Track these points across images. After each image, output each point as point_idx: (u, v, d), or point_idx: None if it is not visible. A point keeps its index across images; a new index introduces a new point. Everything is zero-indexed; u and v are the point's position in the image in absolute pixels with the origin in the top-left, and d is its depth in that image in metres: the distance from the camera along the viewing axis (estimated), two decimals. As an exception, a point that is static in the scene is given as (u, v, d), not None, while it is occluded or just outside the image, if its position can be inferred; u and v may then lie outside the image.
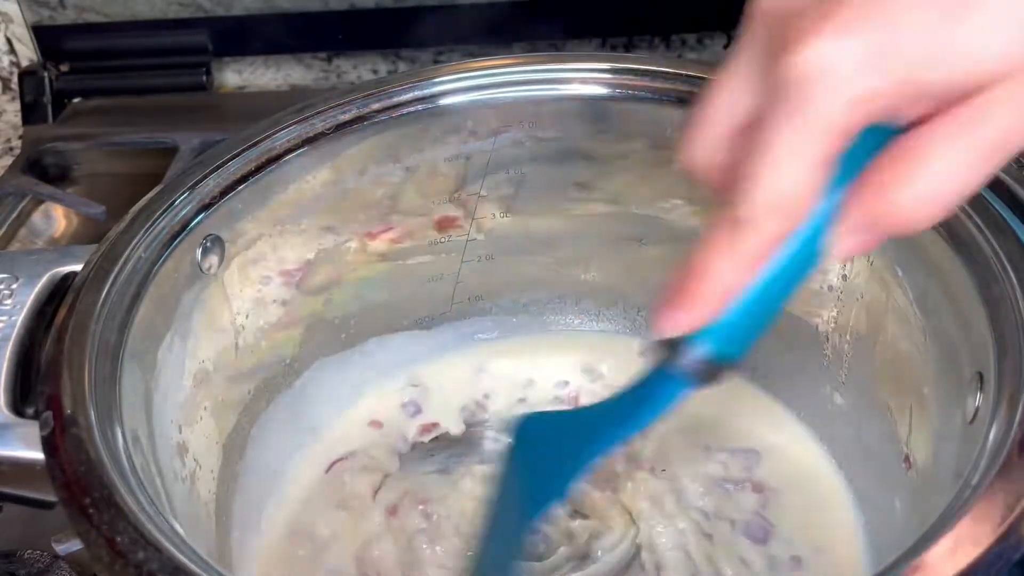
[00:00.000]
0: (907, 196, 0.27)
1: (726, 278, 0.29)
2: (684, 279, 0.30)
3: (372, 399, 0.59)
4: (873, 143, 0.27)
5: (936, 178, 0.27)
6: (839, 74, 0.26)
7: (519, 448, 0.38)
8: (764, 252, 0.28)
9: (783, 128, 0.27)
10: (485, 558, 0.37)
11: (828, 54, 0.26)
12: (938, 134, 0.27)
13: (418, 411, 0.59)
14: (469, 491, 0.52)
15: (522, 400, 0.59)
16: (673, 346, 0.31)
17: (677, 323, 0.30)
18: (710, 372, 0.31)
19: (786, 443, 0.55)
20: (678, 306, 0.30)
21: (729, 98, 0.29)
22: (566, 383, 0.60)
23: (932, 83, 0.26)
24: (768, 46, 0.28)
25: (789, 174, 0.27)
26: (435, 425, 0.58)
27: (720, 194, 0.30)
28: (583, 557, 0.50)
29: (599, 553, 0.49)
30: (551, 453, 0.36)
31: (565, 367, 0.61)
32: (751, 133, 0.28)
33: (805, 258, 0.29)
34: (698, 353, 0.30)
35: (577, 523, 0.51)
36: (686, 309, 0.30)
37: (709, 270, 0.29)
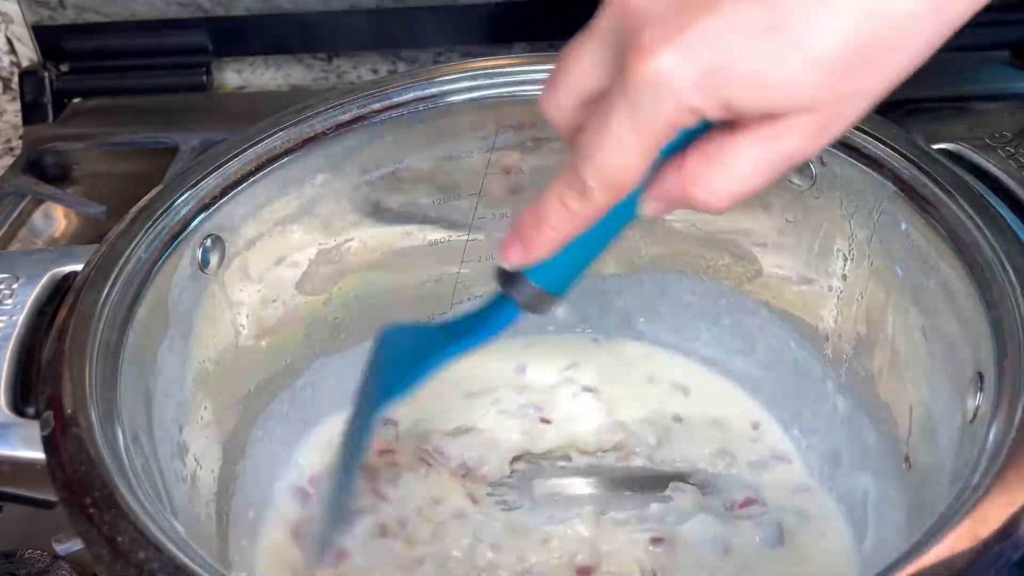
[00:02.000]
0: (706, 187, 0.32)
1: (558, 231, 0.35)
2: (524, 223, 0.35)
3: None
4: (685, 132, 0.32)
5: (731, 178, 0.32)
6: (675, 89, 0.30)
7: (380, 351, 0.43)
8: (593, 216, 0.34)
9: (622, 120, 0.31)
10: (346, 439, 0.42)
11: (669, 70, 0.30)
12: (741, 144, 0.32)
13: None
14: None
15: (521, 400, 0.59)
16: (510, 277, 0.37)
17: (514, 259, 0.36)
18: (538, 302, 0.37)
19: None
20: (517, 245, 0.36)
21: (580, 70, 0.34)
22: (557, 385, 0.60)
23: (748, 107, 0.31)
24: (621, 38, 0.32)
25: (622, 158, 0.32)
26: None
27: (567, 143, 0.35)
28: None
29: None
30: (404, 358, 0.41)
31: (560, 367, 0.61)
32: (595, 107, 0.33)
33: (622, 216, 0.35)
34: (529, 285, 0.37)
35: None
36: (522, 249, 0.36)
37: (546, 222, 0.35)
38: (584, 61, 0.34)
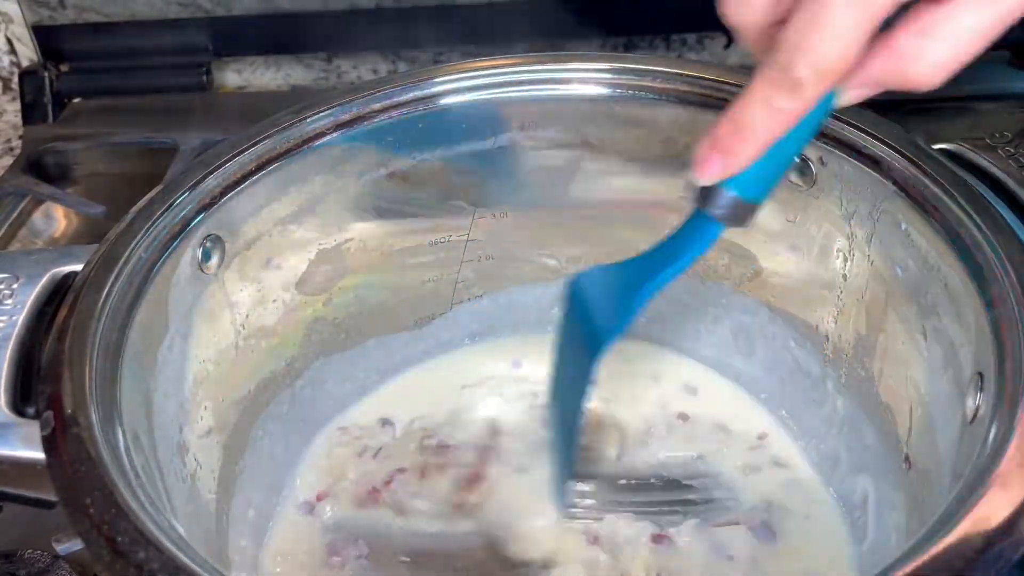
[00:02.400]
0: (926, 63, 0.31)
1: (764, 132, 0.32)
2: (724, 131, 0.33)
3: (372, 399, 0.59)
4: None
5: (951, 49, 0.30)
6: None
7: (574, 303, 0.43)
8: (803, 113, 0.32)
9: (838, 2, 0.29)
10: (558, 401, 0.43)
11: None
12: (958, 13, 0.30)
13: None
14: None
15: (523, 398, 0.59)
16: (708, 192, 0.35)
17: (713, 171, 0.34)
18: (739, 214, 0.36)
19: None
20: (715, 157, 0.34)
21: None
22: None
23: None
24: None
25: (841, 42, 0.30)
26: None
27: (758, 51, 0.33)
28: None
29: None
30: (604, 302, 0.41)
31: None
32: (782, 6, 0.31)
33: (820, 111, 0.33)
34: (729, 198, 0.35)
35: None
36: (722, 160, 0.34)
37: (749, 124, 0.32)
38: None
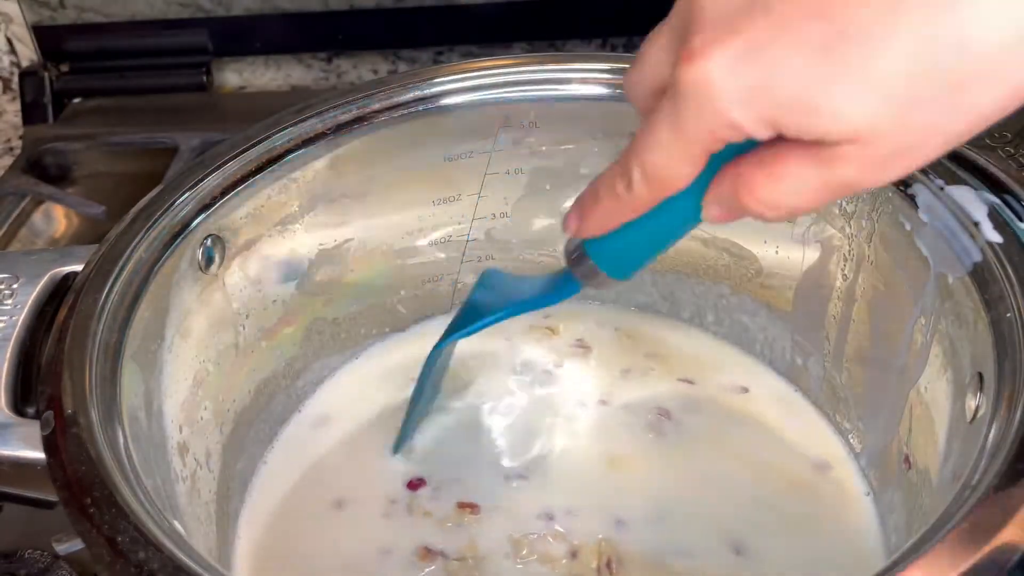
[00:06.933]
0: (759, 197, 0.31)
1: (609, 211, 0.35)
2: (586, 195, 0.36)
3: (372, 398, 0.58)
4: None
5: (784, 193, 0.31)
6: (715, 100, 0.29)
7: (476, 288, 0.49)
8: (640, 207, 0.34)
9: (666, 122, 0.31)
10: (431, 359, 0.50)
11: (712, 79, 0.28)
12: (793, 161, 0.30)
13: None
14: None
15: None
16: (576, 253, 0.39)
17: (570, 226, 0.37)
18: (595, 281, 0.39)
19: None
20: (575, 214, 0.37)
21: (651, 60, 0.33)
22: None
23: (794, 131, 0.29)
24: (682, 35, 0.30)
25: (663, 158, 0.32)
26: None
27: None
28: None
29: None
30: (488, 300, 0.48)
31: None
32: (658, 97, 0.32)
33: (685, 216, 0.35)
34: (589, 265, 0.39)
35: None
36: (577, 219, 0.37)
37: (599, 199, 0.35)
38: (653, 52, 0.32)
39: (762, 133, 0.29)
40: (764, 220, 0.32)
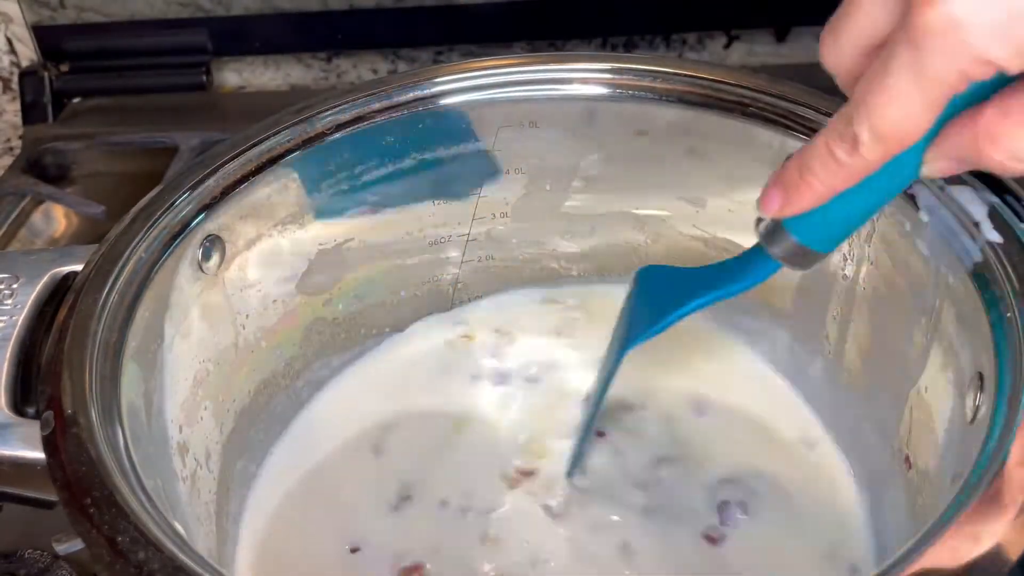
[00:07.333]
0: (1006, 147, 0.29)
1: (824, 181, 0.32)
2: (790, 169, 0.33)
3: (372, 399, 0.58)
4: (980, 86, 0.29)
5: None
6: (966, 37, 0.27)
7: (637, 289, 0.45)
8: (863, 171, 0.31)
9: (904, 70, 0.28)
10: (602, 375, 0.46)
11: (962, 16, 0.27)
12: None
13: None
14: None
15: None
16: (771, 230, 0.36)
17: (773, 207, 0.34)
18: (798, 258, 0.36)
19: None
20: (778, 193, 0.34)
21: (862, 14, 0.31)
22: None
23: None
24: None
25: (901, 111, 0.29)
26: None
27: (847, 92, 0.32)
28: None
29: None
30: (659, 299, 0.43)
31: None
32: (878, 53, 0.30)
33: (902, 174, 0.32)
34: (791, 241, 0.35)
35: None
36: (783, 198, 0.34)
37: (810, 171, 0.32)
38: (866, 8, 0.31)
39: (1021, 66, 0.27)
40: (1003, 173, 0.31)
